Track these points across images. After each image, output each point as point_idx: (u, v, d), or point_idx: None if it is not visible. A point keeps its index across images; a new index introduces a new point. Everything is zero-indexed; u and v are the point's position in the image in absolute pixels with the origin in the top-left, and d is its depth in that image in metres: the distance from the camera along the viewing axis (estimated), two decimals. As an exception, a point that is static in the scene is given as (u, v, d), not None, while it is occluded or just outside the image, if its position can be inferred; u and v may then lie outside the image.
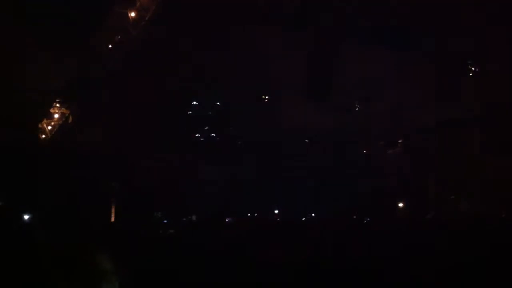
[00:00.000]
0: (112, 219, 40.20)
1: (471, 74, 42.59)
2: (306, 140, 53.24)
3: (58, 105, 38.64)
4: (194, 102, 49.93)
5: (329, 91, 43.83)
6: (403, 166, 50.79)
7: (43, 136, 38.59)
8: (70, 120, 38.63)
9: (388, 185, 50.98)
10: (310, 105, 42.95)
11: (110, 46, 35.04)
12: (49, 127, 38.81)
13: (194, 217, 44.62)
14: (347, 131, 49.62)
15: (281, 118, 47.46)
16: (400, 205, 47.41)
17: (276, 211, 51.32)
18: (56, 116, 38.81)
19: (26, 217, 31.40)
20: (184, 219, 44.62)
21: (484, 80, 40.72)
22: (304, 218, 50.17)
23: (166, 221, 43.53)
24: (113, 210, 40.19)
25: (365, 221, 45.76)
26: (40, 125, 38.42)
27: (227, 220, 47.62)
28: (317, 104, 43.98)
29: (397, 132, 50.98)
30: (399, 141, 52.61)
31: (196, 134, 52.54)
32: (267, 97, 50.34)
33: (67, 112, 38.64)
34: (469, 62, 42.39)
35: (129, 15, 33.17)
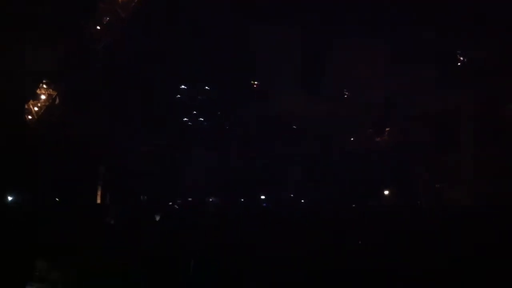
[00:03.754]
0: (98, 201, 40.01)
1: (459, 64, 42.58)
2: (294, 127, 53.22)
3: (45, 86, 38.04)
4: (183, 86, 49.50)
5: (319, 79, 43.67)
6: (391, 154, 51.04)
7: (30, 117, 38.08)
8: (57, 101, 38.07)
9: (376, 173, 51.27)
10: (299, 93, 42.76)
11: (98, 27, 34.36)
12: (36, 108, 38.28)
13: (179, 201, 44.51)
14: (335, 119, 49.62)
15: (270, 105, 47.30)
16: (387, 192, 47.65)
17: (263, 197, 51.40)
18: (43, 97, 38.24)
19: (10, 199, 31.07)
20: (170, 203, 44.59)
21: (472, 70, 40.78)
22: (291, 205, 50.26)
23: (152, 205, 43.46)
24: (99, 193, 39.93)
25: (353, 209, 45.97)
26: (26, 106, 37.86)
27: (211, 199, 47.77)
28: (306, 92, 43.80)
29: (385, 120, 51.07)
30: (387, 129, 52.75)
31: (184, 118, 52.31)
32: (256, 82, 50.04)
33: (54, 93, 38.06)
34: (458, 52, 42.37)
35: (118, -4, 32.49)
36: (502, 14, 32.76)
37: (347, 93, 49.55)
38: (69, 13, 32.41)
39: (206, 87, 50.23)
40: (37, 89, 37.72)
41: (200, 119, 52.77)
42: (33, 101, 38.31)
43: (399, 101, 45.71)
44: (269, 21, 35.58)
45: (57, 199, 29.99)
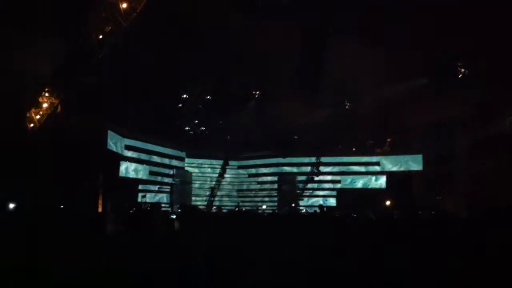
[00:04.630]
0: (100, 210, 40.01)
1: (460, 76, 42.77)
2: (295, 137, 53.53)
3: (47, 94, 38.23)
4: (184, 96, 49.82)
5: (319, 89, 43.78)
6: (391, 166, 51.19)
7: (31, 125, 38.23)
8: (59, 109, 38.21)
9: (374, 184, 51.36)
10: (299, 102, 42.87)
11: (100, 37, 34.54)
12: (38, 117, 38.46)
13: (178, 209, 44.62)
14: (335, 128, 49.90)
15: (270, 114, 47.51)
16: (387, 203, 47.67)
17: (264, 206, 51.56)
18: (45, 105, 38.42)
19: (11, 206, 31.00)
20: (171, 210, 44.79)
21: (471, 81, 40.90)
22: (289, 213, 50.30)
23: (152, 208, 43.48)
24: (100, 201, 39.98)
25: (349, 219, 45.81)
26: (28, 114, 38.04)
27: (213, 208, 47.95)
28: (306, 101, 43.91)
29: (386, 131, 51.21)
30: (388, 140, 52.88)
31: (186, 127, 52.66)
32: (257, 92, 50.32)
33: (56, 101, 38.25)
34: (459, 64, 42.58)
35: (121, 6, 32.70)
36: (500, 19, 32.86)
37: (347, 103, 49.76)
38: (71, 21, 32.69)
39: (208, 97, 50.54)
40: (39, 97, 37.92)
41: (202, 128, 53.22)
42: (35, 109, 38.49)
43: (398, 111, 45.83)
44: (269, 29, 35.73)
45: (61, 206, 29.97)
